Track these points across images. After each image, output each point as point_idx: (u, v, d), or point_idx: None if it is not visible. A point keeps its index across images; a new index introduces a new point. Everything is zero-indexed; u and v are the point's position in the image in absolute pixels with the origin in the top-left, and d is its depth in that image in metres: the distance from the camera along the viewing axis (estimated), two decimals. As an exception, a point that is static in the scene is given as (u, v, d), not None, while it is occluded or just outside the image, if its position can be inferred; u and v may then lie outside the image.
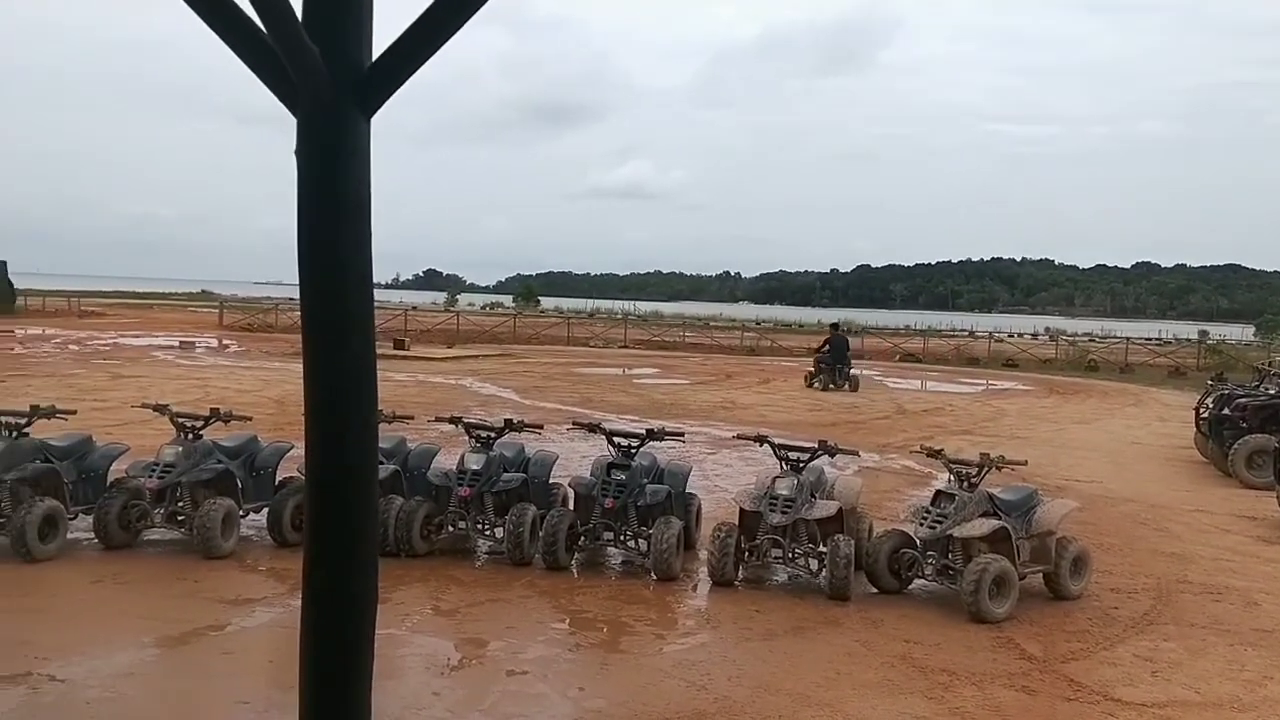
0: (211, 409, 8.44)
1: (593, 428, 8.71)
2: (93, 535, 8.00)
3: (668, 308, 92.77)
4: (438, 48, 2.58)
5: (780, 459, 7.96)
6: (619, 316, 65.14)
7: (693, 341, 43.79)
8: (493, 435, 8.41)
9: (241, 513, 8.19)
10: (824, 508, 7.67)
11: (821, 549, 7.65)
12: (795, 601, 7.38)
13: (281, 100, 2.54)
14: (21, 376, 20.68)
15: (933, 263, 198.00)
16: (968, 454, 8.45)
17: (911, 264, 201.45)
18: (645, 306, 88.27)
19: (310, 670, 2.64)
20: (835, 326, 29.36)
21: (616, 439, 8.22)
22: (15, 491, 7.64)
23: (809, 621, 6.95)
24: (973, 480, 7.58)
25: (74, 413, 8.49)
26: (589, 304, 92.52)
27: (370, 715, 2.64)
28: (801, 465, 7.87)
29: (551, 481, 8.84)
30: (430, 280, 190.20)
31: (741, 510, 7.93)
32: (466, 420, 8.64)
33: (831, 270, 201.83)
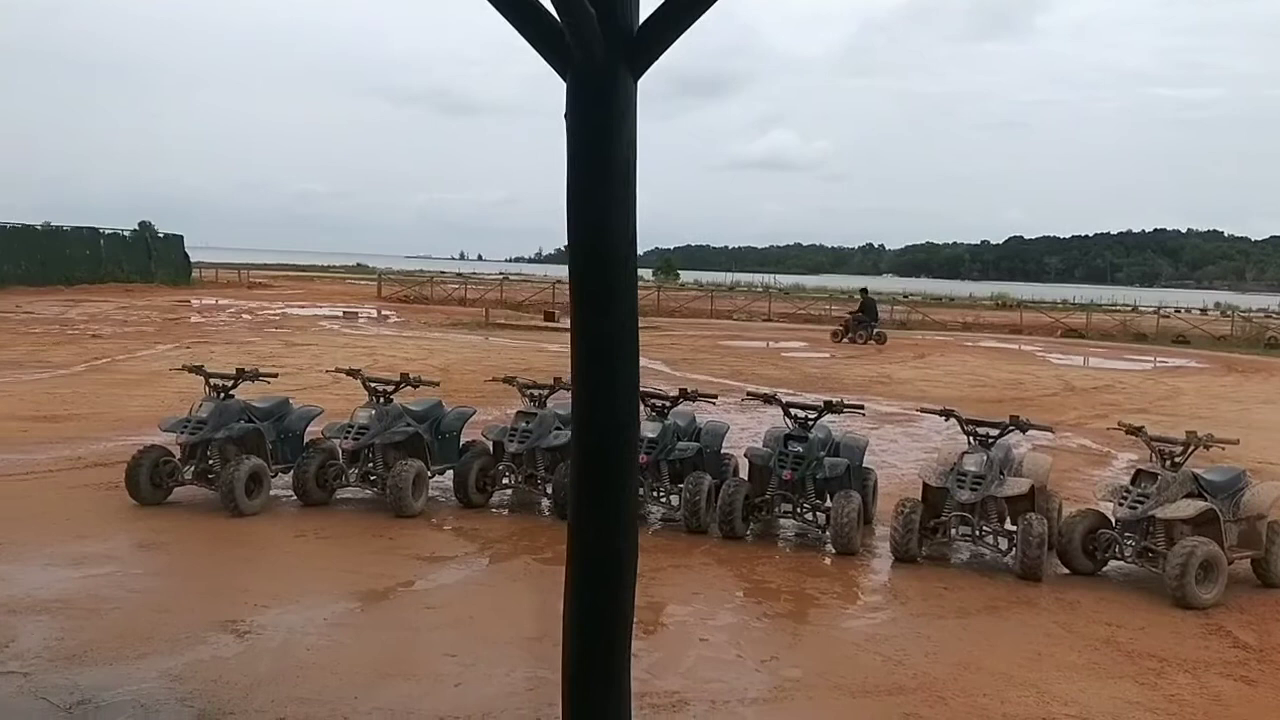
0: (402, 374, 8.75)
1: (769, 399, 8.64)
2: (290, 492, 8.44)
3: (809, 281, 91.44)
4: (704, 10, 2.57)
5: (968, 434, 7.71)
6: (760, 290, 64.67)
7: (838, 315, 43.03)
8: (667, 404, 8.45)
9: (429, 474, 8.48)
10: (1015, 485, 7.41)
11: (1010, 527, 7.41)
12: (984, 580, 7.17)
13: (551, 63, 2.58)
14: (204, 344, 21.98)
15: (1090, 234, 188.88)
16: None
17: (1067, 236, 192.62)
18: (786, 280, 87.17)
19: (575, 632, 2.70)
20: (864, 291, 33.33)
21: (794, 411, 8.13)
22: (223, 450, 8.11)
23: (1001, 601, 6.74)
24: (1176, 459, 7.19)
25: (276, 376, 8.95)
26: (728, 277, 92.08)
27: (630, 678, 2.68)
28: (991, 441, 7.61)
29: (723, 451, 8.85)
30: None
31: (925, 486, 7.74)
32: (640, 389, 8.68)
33: (981, 242, 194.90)
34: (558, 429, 8.65)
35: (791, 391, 17.24)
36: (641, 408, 8.47)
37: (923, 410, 8.84)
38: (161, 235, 49.62)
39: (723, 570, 7.19)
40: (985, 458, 7.47)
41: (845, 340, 29.40)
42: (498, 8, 2.55)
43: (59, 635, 5.37)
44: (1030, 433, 7.85)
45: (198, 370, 8.58)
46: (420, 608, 6.16)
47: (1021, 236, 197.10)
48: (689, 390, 8.57)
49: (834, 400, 8.32)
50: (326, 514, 8.16)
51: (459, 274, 67.33)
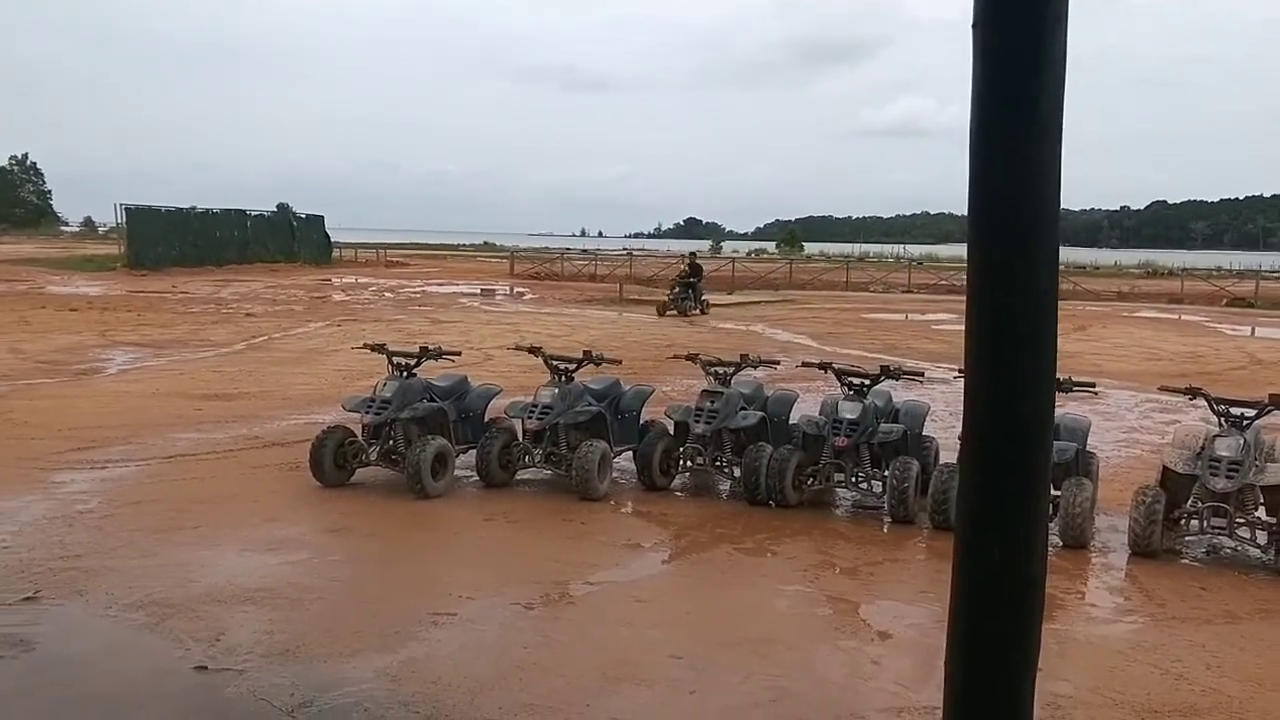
0: (585, 352, 8.38)
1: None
2: (469, 473, 8.18)
3: (942, 250, 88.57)
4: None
5: (1219, 415, 6.87)
6: (892, 260, 62.79)
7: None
8: (866, 383, 7.85)
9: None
10: (1277, 472, 6.56)
11: (1269, 519, 6.58)
12: (1243, 579, 6.37)
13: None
14: (354, 322, 22.28)
15: (1240, 197, 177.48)
16: None
17: (1215, 199, 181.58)
18: (916, 249, 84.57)
19: (964, 670, 2.19)
20: (693, 254, 30.63)
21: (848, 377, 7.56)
22: (406, 430, 7.89)
23: (1274, 604, 5.95)
24: None
25: (459, 354, 8.70)
26: (856, 248, 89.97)
27: (1032, 710, 2.16)
28: (1246, 422, 6.76)
29: (924, 434, 8.23)
30: (690, 229, 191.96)
31: (1166, 471, 6.94)
32: (837, 366, 8.11)
33: (1121, 208, 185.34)
34: (743, 409, 8.17)
35: (952, 366, 16.34)
36: (839, 386, 7.96)
37: (1163, 390, 7.98)
38: (303, 216, 51.04)
39: (944, 565, 6.53)
40: (1241, 441, 6.64)
41: (672, 312, 25.70)
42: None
43: (267, 628, 5.14)
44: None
45: (379, 349, 8.38)
46: (630, 601, 5.75)
47: (1165, 201, 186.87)
48: (890, 367, 7.95)
49: (891, 366, 7.97)
50: (511, 496, 7.86)
51: (584, 250, 67.50)
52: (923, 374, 8.39)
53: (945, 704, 2.28)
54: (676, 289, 26.73)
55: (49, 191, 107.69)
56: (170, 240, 41.31)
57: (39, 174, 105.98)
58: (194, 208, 44.07)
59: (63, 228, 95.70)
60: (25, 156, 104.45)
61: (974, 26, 2.04)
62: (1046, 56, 2.00)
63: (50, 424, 10.09)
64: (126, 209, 40.17)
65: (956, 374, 8.18)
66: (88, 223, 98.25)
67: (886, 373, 7.84)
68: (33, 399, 11.63)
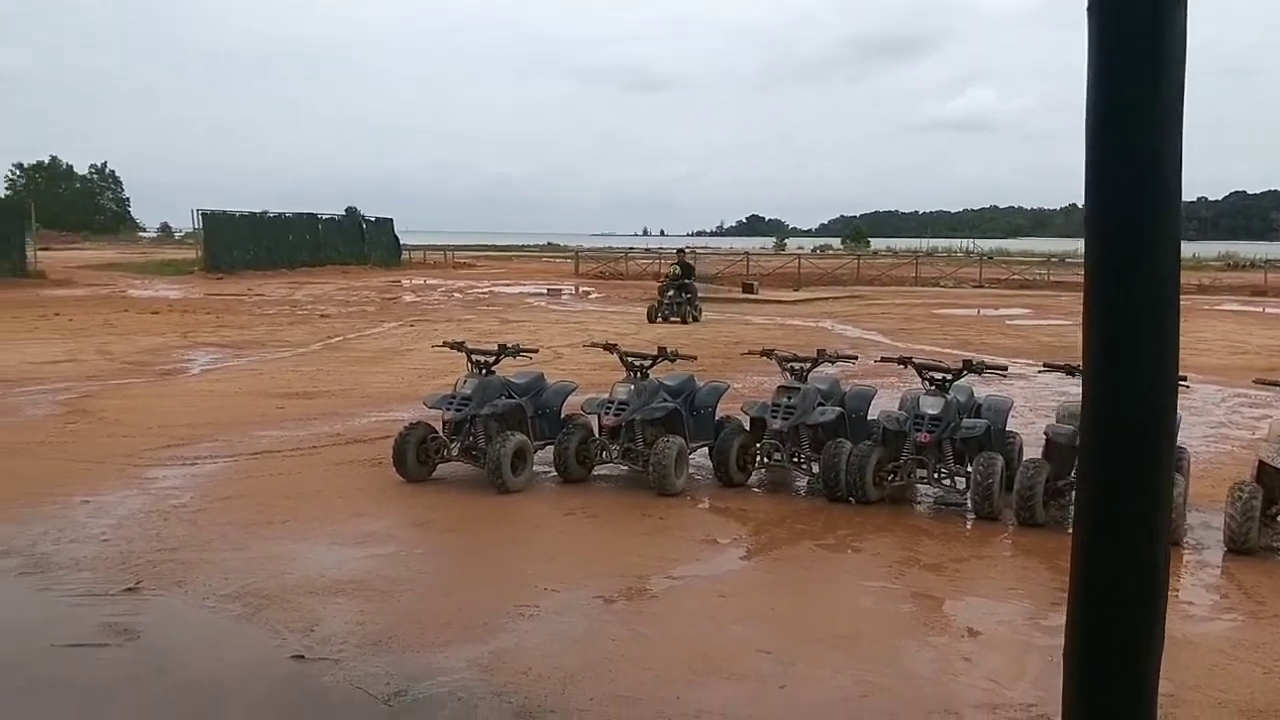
0: (659, 348, 8.41)
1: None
2: (547, 468, 8.24)
3: (1012, 244, 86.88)
4: None
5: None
6: (961, 255, 61.82)
7: (1055, 280, 40.46)
8: (948, 378, 7.74)
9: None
10: (1384, 467, 6.34)
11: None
12: (1347, 577, 6.16)
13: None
14: (425, 322, 22.61)
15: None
16: None
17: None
18: (986, 244, 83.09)
19: (1082, 672, 2.15)
20: (683, 251, 28.55)
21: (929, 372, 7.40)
22: (486, 426, 7.98)
23: (1382, 603, 5.74)
24: None
25: (536, 352, 8.78)
26: (923, 243, 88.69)
27: (1156, 712, 2.12)
28: (1349, 415, 6.54)
29: (1007, 430, 8.09)
30: (753, 226, 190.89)
31: (1263, 465, 6.73)
32: (917, 361, 8.02)
33: (1198, 199, 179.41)
34: (820, 404, 8.12)
35: (1031, 362, 16.02)
36: (919, 380, 7.86)
37: (1259, 383, 7.75)
38: (373, 219, 51.91)
39: (1032, 561, 6.46)
40: (1345, 435, 6.42)
41: (659, 319, 22.67)
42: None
43: (359, 619, 5.25)
44: None
45: (458, 347, 8.49)
46: (713, 595, 5.75)
47: (1244, 191, 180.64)
48: (973, 361, 7.84)
49: (974, 360, 7.88)
50: (588, 491, 7.91)
51: (647, 249, 67.56)
52: (1006, 368, 8.26)
53: (1065, 704, 2.25)
54: (670, 292, 23.43)
55: (127, 199, 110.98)
56: (245, 244, 42.31)
57: (118, 181, 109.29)
58: (266, 212, 45.06)
59: (140, 233, 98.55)
60: (104, 165, 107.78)
61: (1089, 9, 2.00)
62: (1166, 37, 1.95)
63: (140, 422, 10.40)
64: (203, 214, 41.21)
65: (1042, 367, 8.10)
66: (164, 228, 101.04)
67: (969, 367, 7.73)
68: (122, 398, 12.01)
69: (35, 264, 34.47)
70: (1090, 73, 2.01)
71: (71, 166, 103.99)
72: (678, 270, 24.44)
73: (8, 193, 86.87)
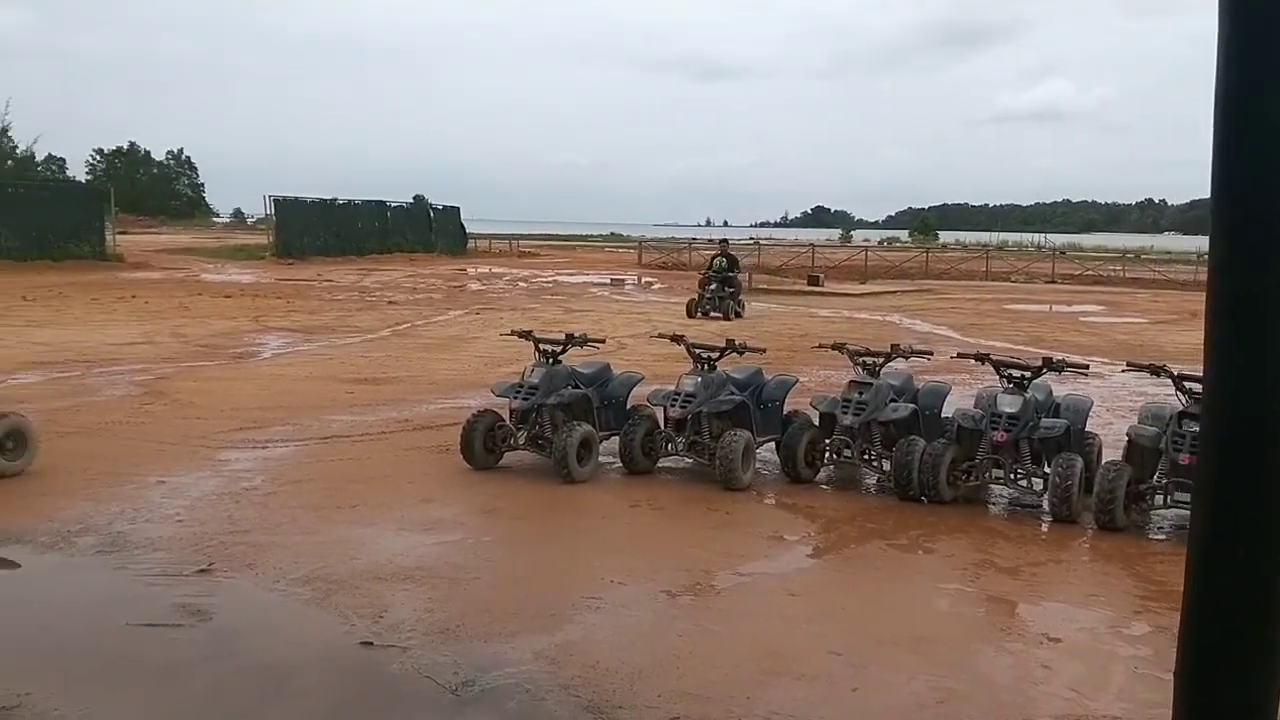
0: (728, 340, 8.32)
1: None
2: (612, 459, 8.20)
3: (1085, 240, 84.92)
4: None
5: None
6: (1033, 250, 60.54)
7: (1130, 276, 39.42)
8: (1028, 375, 7.51)
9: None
10: None
11: None
12: None
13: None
14: (491, 310, 22.75)
15: None
16: None
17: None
18: (1057, 238, 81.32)
19: (1192, 691, 2.03)
20: (725, 242, 26.07)
21: (1187, 384, 7.00)
22: (553, 415, 7.96)
23: None
24: None
25: (603, 341, 8.74)
26: (993, 237, 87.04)
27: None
28: None
29: (1086, 430, 7.85)
30: (818, 217, 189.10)
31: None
32: (995, 358, 7.81)
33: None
34: (893, 401, 7.95)
35: (1107, 360, 15.57)
36: (997, 378, 7.65)
37: (1130, 366, 7.63)
38: (440, 207, 52.40)
39: (1113, 567, 6.25)
40: None
41: (699, 315, 21.68)
42: None
43: (428, 607, 5.25)
44: None
45: (526, 335, 8.48)
46: (783, 594, 5.65)
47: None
48: (1053, 359, 7.61)
49: (1054, 358, 7.62)
50: (653, 483, 7.85)
51: (710, 240, 67.25)
52: (1087, 367, 8.02)
53: (1175, 715, 2.12)
54: (712, 285, 22.29)
55: (202, 184, 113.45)
56: (315, 230, 42.95)
57: (193, 167, 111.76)
58: (336, 199, 45.72)
59: (214, 219, 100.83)
60: (180, 151, 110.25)
61: (1219, 35, 1.86)
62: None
63: (213, 405, 10.58)
64: (275, 200, 41.95)
65: (1125, 367, 7.84)
66: (236, 214, 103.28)
67: (1049, 365, 7.50)
68: (196, 381, 12.24)
69: (114, 247, 35.40)
70: (1219, 53, 1.88)
71: (149, 152, 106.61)
72: (722, 263, 22.81)
73: (88, 177, 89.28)
